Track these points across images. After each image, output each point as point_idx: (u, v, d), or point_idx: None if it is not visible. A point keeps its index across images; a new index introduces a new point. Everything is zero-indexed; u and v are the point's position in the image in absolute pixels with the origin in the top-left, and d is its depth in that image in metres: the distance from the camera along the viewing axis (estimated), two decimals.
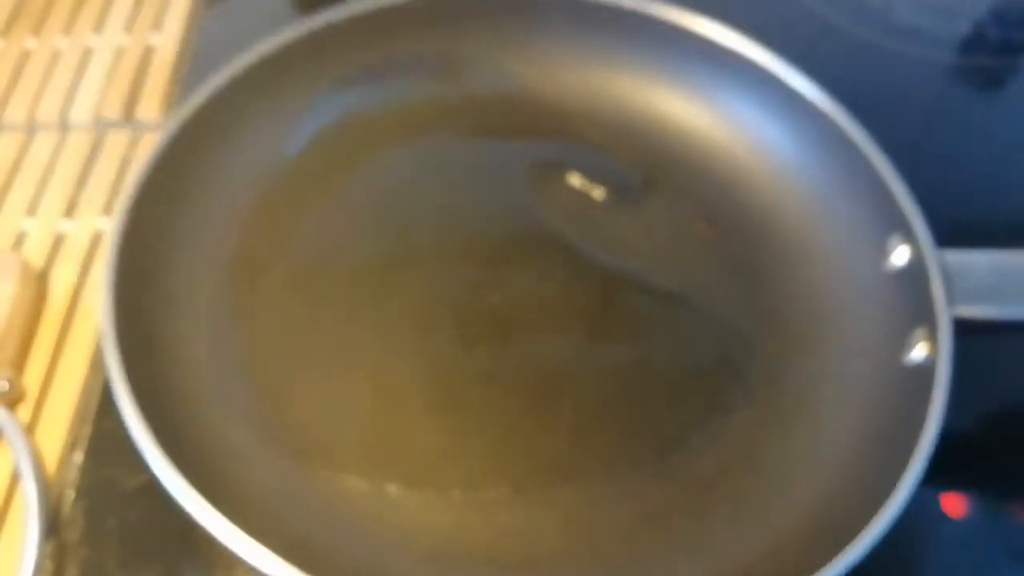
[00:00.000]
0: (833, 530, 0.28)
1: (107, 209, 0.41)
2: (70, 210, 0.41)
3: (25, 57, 0.47)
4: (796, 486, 0.31)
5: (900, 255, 0.33)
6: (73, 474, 0.33)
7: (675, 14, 0.39)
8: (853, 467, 0.31)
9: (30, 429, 0.34)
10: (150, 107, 0.45)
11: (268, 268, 0.36)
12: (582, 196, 0.39)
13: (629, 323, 0.35)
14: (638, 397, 0.34)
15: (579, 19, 0.40)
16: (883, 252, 0.34)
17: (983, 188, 0.43)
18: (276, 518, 0.29)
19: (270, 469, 0.31)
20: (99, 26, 0.49)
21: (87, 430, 0.34)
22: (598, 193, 0.39)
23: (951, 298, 0.31)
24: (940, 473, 0.28)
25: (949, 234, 0.33)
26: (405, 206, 0.38)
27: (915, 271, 0.32)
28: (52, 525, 0.32)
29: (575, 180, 0.39)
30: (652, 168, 0.39)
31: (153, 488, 0.28)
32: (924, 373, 0.30)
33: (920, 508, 0.27)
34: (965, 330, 0.31)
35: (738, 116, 0.39)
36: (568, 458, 0.32)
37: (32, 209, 0.41)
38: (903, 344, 0.32)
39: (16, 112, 0.45)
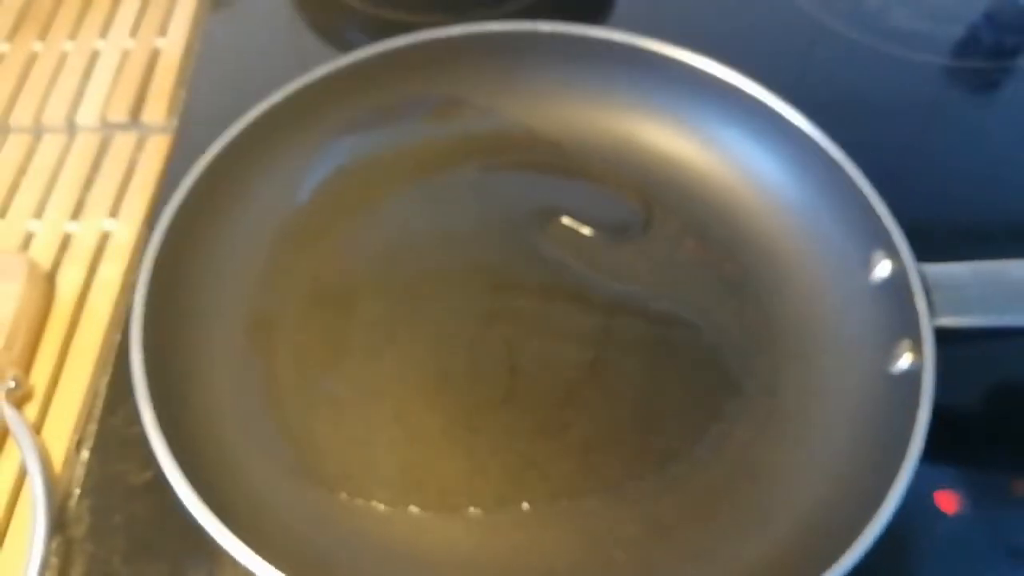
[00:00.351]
0: (834, 533, 0.29)
1: (114, 211, 0.42)
2: (77, 212, 0.42)
3: (32, 60, 0.48)
4: (796, 493, 0.32)
5: (884, 269, 0.35)
6: (79, 471, 0.34)
7: (659, 45, 0.40)
8: (849, 472, 0.31)
9: (37, 427, 0.34)
10: (156, 110, 0.46)
11: (287, 307, 0.37)
12: (581, 227, 0.40)
13: (630, 345, 0.37)
14: (642, 414, 0.35)
15: (568, 54, 0.42)
16: (868, 267, 0.35)
17: (978, 187, 0.43)
18: (304, 548, 0.30)
19: (295, 499, 0.32)
20: (105, 30, 0.49)
21: (93, 428, 0.35)
22: (595, 223, 0.40)
23: (934, 310, 0.32)
24: (935, 468, 0.28)
25: (941, 237, 0.34)
26: (413, 244, 0.40)
27: (898, 285, 0.33)
28: (58, 522, 0.32)
29: (573, 213, 0.40)
30: (646, 196, 0.41)
31: (158, 485, 0.29)
32: (911, 381, 0.31)
33: (915, 504, 0.28)
34: (950, 337, 0.32)
35: (725, 142, 0.41)
36: (579, 476, 0.33)
37: (39, 210, 0.42)
38: (890, 354, 0.33)
39: (23, 114, 0.45)
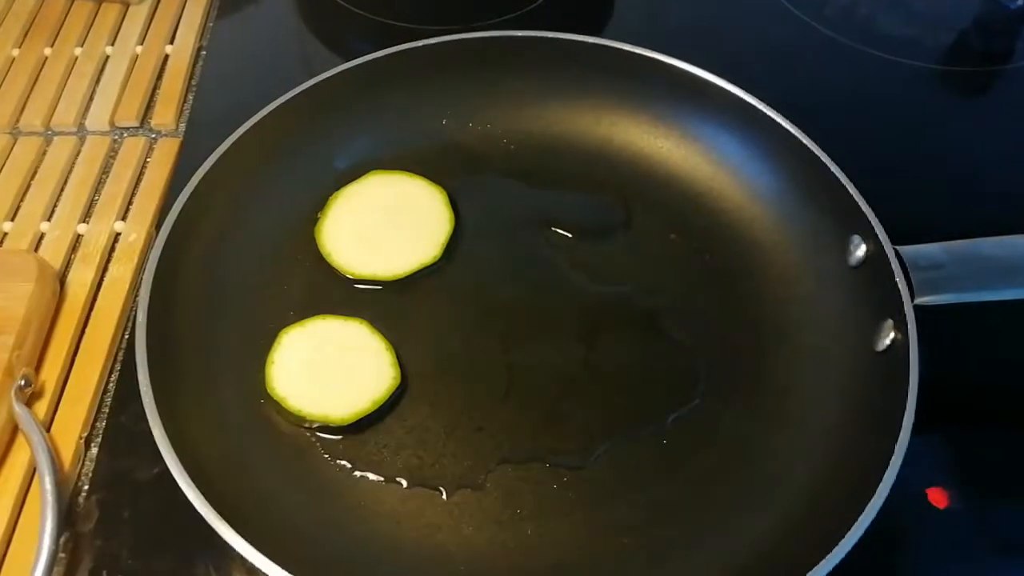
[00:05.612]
0: (836, 508, 0.29)
1: (123, 213, 0.42)
2: (87, 213, 0.42)
3: (41, 65, 0.48)
4: (793, 472, 0.33)
5: (860, 252, 0.36)
6: (88, 468, 0.34)
7: (630, 47, 0.42)
8: (844, 448, 0.32)
9: (47, 425, 0.35)
10: (165, 114, 0.46)
11: (288, 309, 0.38)
12: (567, 230, 0.41)
13: (620, 338, 0.38)
14: (638, 405, 0.36)
15: (546, 61, 0.43)
16: (845, 251, 0.37)
17: (961, 183, 0.44)
18: (308, 547, 0.31)
19: (299, 499, 0.33)
20: (113, 37, 0.50)
21: (102, 425, 0.35)
22: (581, 225, 0.41)
23: (913, 290, 0.33)
24: (926, 466, 0.29)
25: (930, 230, 0.35)
26: None
27: (877, 267, 0.35)
28: (67, 518, 0.33)
29: (559, 216, 0.41)
30: (627, 194, 0.42)
31: (166, 480, 0.29)
32: (897, 356, 0.32)
33: (908, 500, 0.28)
34: (932, 313, 0.33)
35: (700, 137, 0.42)
36: (583, 467, 0.34)
37: (49, 212, 0.42)
38: (874, 332, 0.34)
39: (33, 118, 0.46)
